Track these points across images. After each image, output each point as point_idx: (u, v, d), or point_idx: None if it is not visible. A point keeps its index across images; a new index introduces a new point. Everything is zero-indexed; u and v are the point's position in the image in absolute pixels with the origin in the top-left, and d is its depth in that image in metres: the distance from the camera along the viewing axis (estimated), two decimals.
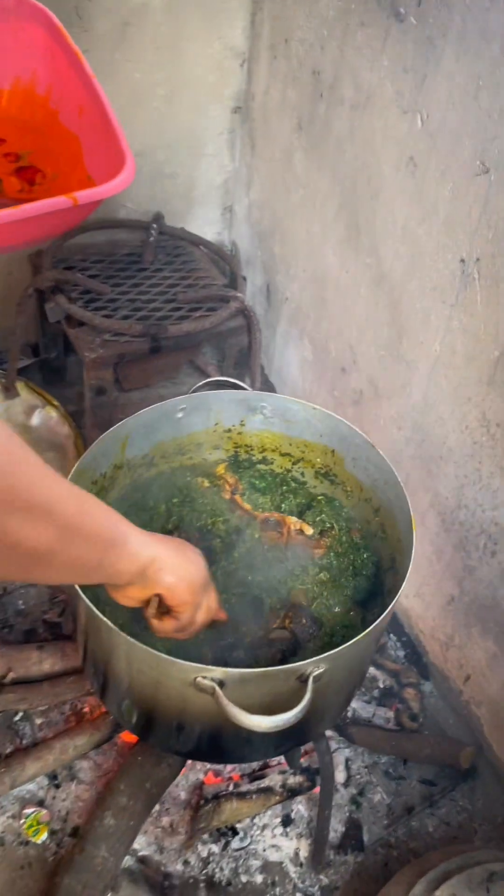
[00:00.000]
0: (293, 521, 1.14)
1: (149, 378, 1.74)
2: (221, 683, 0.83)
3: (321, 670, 0.86)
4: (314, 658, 0.84)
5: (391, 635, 1.49)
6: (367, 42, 1.21)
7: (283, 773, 1.22)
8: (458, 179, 1.08)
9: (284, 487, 1.22)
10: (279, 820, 1.21)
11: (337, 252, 1.45)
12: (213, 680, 0.83)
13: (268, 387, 1.88)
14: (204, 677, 0.83)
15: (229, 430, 1.20)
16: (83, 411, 1.74)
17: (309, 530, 1.14)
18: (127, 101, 1.59)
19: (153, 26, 1.50)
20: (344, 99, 1.32)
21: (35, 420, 1.69)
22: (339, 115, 1.34)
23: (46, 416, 1.69)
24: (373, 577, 1.14)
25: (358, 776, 1.29)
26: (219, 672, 0.82)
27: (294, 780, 1.21)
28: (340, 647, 0.86)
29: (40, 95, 1.13)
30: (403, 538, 1.04)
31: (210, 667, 0.82)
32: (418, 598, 1.44)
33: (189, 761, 1.22)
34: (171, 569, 0.81)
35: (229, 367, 1.71)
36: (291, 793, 1.20)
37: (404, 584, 0.95)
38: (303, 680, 0.86)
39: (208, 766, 1.25)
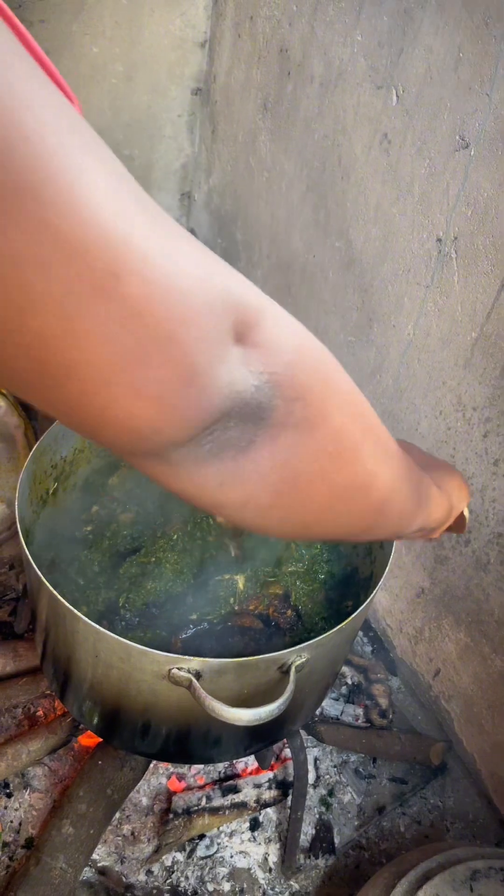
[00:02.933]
0: None
1: None
2: (198, 675, 0.77)
3: (303, 660, 0.81)
4: (297, 647, 0.79)
5: (358, 631, 1.45)
6: (340, 17, 1.18)
7: (257, 786, 1.16)
8: (435, 156, 1.05)
9: None
10: (247, 825, 1.15)
11: (304, 236, 1.41)
12: (189, 671, 0.77)
13: None
14: (180, 668, 0.77)
15: None
16: None
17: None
18: (84, 76, 1.53)
19: (112, 2, 1.44)
20: (313, 77, 1.28)
21: None
22: (308, 94, 1.30)
23: None
24: (346, 570, 1.10)
25: (327, 776, 1.24)
26: (196, 662, 0.76)
27: (268, 794, 1.16)
28: (324, 635, 0.81)
29: None
30: None
31: (187, 657, 0.76)
32: (386, 591, 1.40)
33: (151, 765, 1.15)
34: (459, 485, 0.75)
35: None
36: (265, 806, 1.15)
37: (387, 568, 0.91)
38: (284, 670, 0.81)
39: (171, 769, 1.19)
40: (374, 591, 0.87)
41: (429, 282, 1.11)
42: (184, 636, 0.94)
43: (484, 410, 1.07)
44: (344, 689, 1.34)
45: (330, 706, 1.30)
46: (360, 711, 1.31)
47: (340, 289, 1.32)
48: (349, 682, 1.34)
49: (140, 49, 1.55)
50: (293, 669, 0.79)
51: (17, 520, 0.88)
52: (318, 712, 1.28)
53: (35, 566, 0.81)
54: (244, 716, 0.74)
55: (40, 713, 1.22)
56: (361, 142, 1.19)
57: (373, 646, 1.43)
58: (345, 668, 1.35)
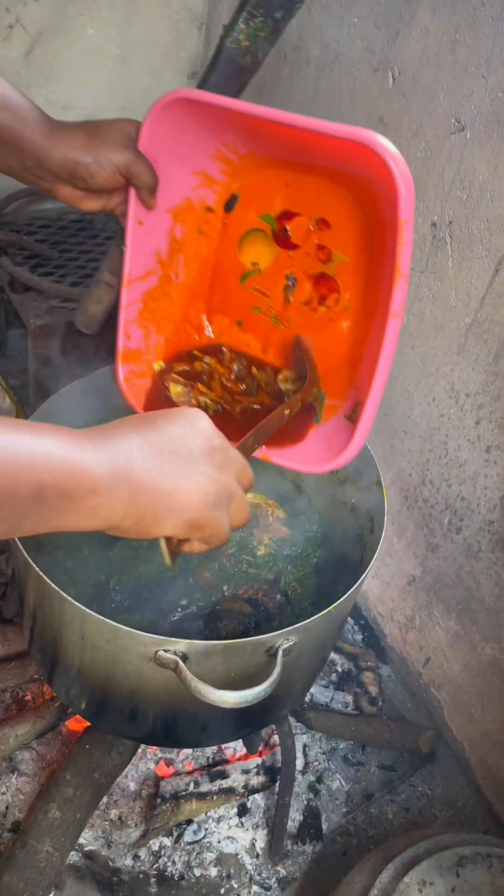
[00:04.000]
0: (273, 506, 1.08)
1: (97, 351, 1.65)
2: (185, 657, 0.77)
3: (291, 643, 0.80)
4: (284, 629, 0.79)
5: (349, 619, 1.45)
6: (335, 1, 1.17)
7: (245, 772, 1.16)
8: (431, 139, 1.04)
9: None
10: (235, 811, 1.15)
11: None
12: (175, 653, 0.76)
13: None
14: (166, 650, 0.76)
15: None
16: (26, 386, 1.65)
17: (283, 515, 1.08)
18: (79, 59, 1.51)
19: None
20: (310, 60, 1.27)
21: None
22: (304, 77, 1.29)
23: None
24: (337, 554, 1.09)
25: (316, 763, 1.24)
26: (182, 645, 0.76)
27: (257, 780, 1.15)
28: (312, 619, 0.80)
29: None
30: (373, 510, 1.00)
31: (173, 639, 0.76)
32: (377, 579, 1.40)
33: (139, 750, 1.15)
34: (159, 503, 0.60)
35: None
36: (253, 792, 1.14)
37: (376, 554, 0.91)
38: (272, 654, 0.80)
39: (159, 754, 1.18)
40: (364, 575, 0.87)
41: (423, 267, 1.10)
42: (172, 619, 0.93)
43: (477, 397, 1.07)
44: (334, 677, 1.33)
45: (319, 693, 1.30)
46: (349, 699, 1.30)
47: None
48: (339, 669, 1.34)
49: (136, 31, 1.53)
50: (280, 652, 0.79)
51: None
52: (307, 699, 1.28)
53: (22, 548, 0.81)
54: (230, 698, 0.73)
55: (28, 697, 1.21)
56: (357, 125, 1.18)
57: (363, 634, 1.43)
58: (335, 656, 1.35)
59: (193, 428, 0.63)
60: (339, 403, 0.93)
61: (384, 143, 0.72)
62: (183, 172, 0.92)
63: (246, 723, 0.99)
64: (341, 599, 0.82)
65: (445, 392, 1.12)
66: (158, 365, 1.04)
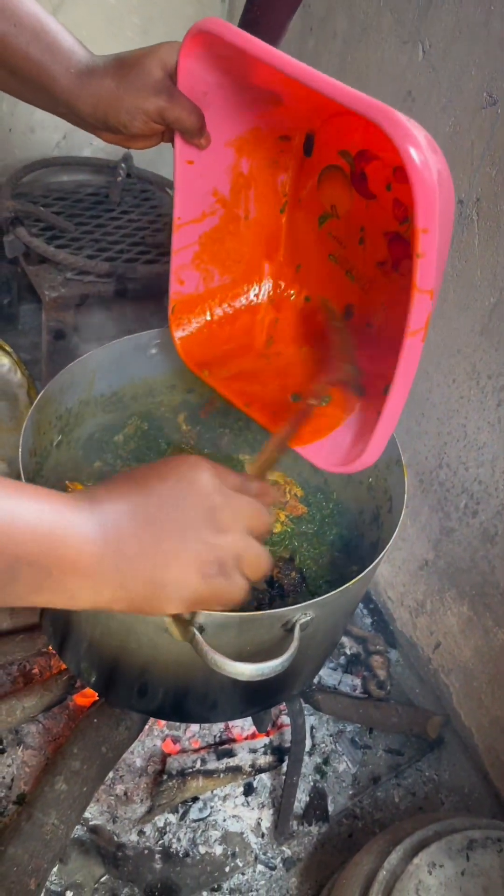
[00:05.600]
0: (292, 483, 1.06)
1: (110, 328, 1.64)
2: (202, 629, 0.75)
3: (308, 618, 0.79)
4: (302, 604, 0.78)
5: (362, 596, 1.44)
6: None
7: (252, 751, 1.15)
8: (460, 114, 1.02)
9: (261, 434, 1.15)
10: (241, 789, 1.15)
11: None
12: (192, 624, 0.75)
13: None
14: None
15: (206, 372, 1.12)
16: (37, 361, 1.63)
17: (300, 493, 1.07)
18: (99, 28, 1.49)
19: None
20: (336, 32, 1.25)
21: None
22: (331, 49, 1.27)
23: None
24: (353, 533, 1.08)
25: (323, 745, 1.23)
26: (200, 616, 0.75)
27: (264, 759, 1.15)
28: (330, 594, 0.79)
29: None
30: (391, 488, 0.98)
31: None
32: (388, 563, 1.39)
33: (147, 726, 1.14)
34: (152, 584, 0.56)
35: None
36: (260, 771, 1.14)
37: (394, 534, 0.89)
38: (288, 628, 0.79)
39: (166, 731, 1.18)
40: (383, 554, 0.86)
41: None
42: None
43: (499, 378, 1.05)
44: (342, 660, 1.32)
45: (328, 676, 1.29)
46: (357, 682, 1.29)
47: None
48: (347, 652, 1.33)
49: (158, 2, 1.51)
50: (298, 627, 0.78)
51: (21, 468, 0.86)
52: (315, 681, 1.27)
53: None
54: (247, 670, 0.72)
55: (36, 670, 1.20)
56: (384, 99, 1.14)
57: (373, 618, 1.42)
58: (343, 639, 1.34)
59: (190, 486, 0.57)
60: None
61: (403, 133, 0.59)
62: (244, 100, 0.81)
63: (257, 700, 0.98)
64: (360, 576, 0.81)
65: (466, 373, 1.10)
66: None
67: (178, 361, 1.10)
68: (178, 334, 0.96)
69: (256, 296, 1.00)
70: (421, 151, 0.59)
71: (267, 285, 1.00)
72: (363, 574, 0.81)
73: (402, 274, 0.88)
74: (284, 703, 1.07)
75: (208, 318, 0.97)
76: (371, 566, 0.83)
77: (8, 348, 1.60)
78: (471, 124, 1.00)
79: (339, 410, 0.88)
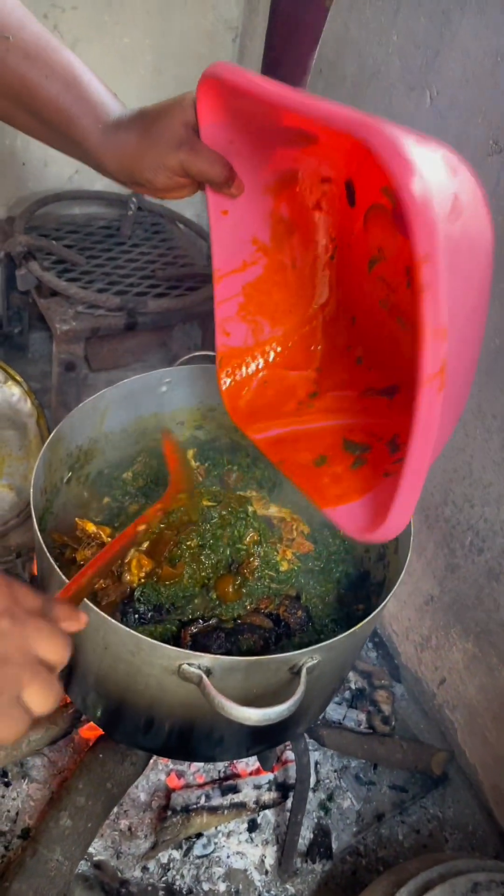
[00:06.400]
0: (298, 520, 1.07)
1: (119, 359, 1.66)
2: (209, 672, 0.76)
3: (315, 661, 0.80)
4: (309, 648, 0.78)
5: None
6: (376, 16, 1.17)
7: (257, 787, 1.15)
8: (467, 158, 1.03)
9: (269, 471, 1.16)
10: (245, 826, 1.14)
11: None
12: (200, 667, 0.76)
13: None
14: (190, 664, 0.76)
15: (213, 409, 1.13)
16: (46, 390, 1.65)
17: (307, 530, 1.07)
18: (114, 66, 1.52)
19: None
20: (345, 76, 1.27)
21: None
22: (340, 93, 1.29)
23: (7, 393, 1.59)
24: (360, 571, 1.09)
25: (327, 780, 1.23)
26: (207, 659, 0.76)
27: (268, 796, 1.15)
28: (336, 638, 0.80)
29: None
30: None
31: (198, 654, 0.75)
32: (393, 597, 1.38)
33: (151, 761, 1.14)
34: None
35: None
36: (264, 808, 1.14)
37: (401, 576, 0.90)
38: (295, 672, 0.80)
39: (171, 766, 1.18)
40: (389, 596, 0.86)
41: None
42: (194, 630, 0.93)
43: None
44: (347, 694, 1.33)
45: (333, 710, 1.29)
46: (362, 717, 1.29)
47: None
48: (352, 686, 1.33)
49: (170, 41, 1.54)
50: (304, 671, 0.78)
51: (32, 506, 0.87)
52: (320, 716, 1.27)
53: (48, 554, 0.81)
54: (253, 715, 0.73)
55: None
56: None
57: (378, 651, 1.42)
58: (349, 673, 1.34)
59: None
60: None
61: (392, 149, 0.53)
62: (276, 143, 0.77)
63: (262, 739, 0.98)
64: (365, 620, 0.82)
65: (472, 413, 1.11)
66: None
67: (188, 399, 1.12)
68: (225, 384, 0.92)
69: (308, 350, 0.95)
70: (413, 173, 0.52)
71: (319, 338, 0.96)
72: (369, 618, 0.82)
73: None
74: (290, 742, 1.07)
75: (257, 370, 0.93)
76: (377, 610, 0.83)
77: (18, 378, 1.61)
78: (477, 170, 1.02)
79: (370, 475, 0.83)
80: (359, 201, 0.83)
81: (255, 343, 0.92)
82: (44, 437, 1.59)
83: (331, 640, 0.79)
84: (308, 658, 0.79)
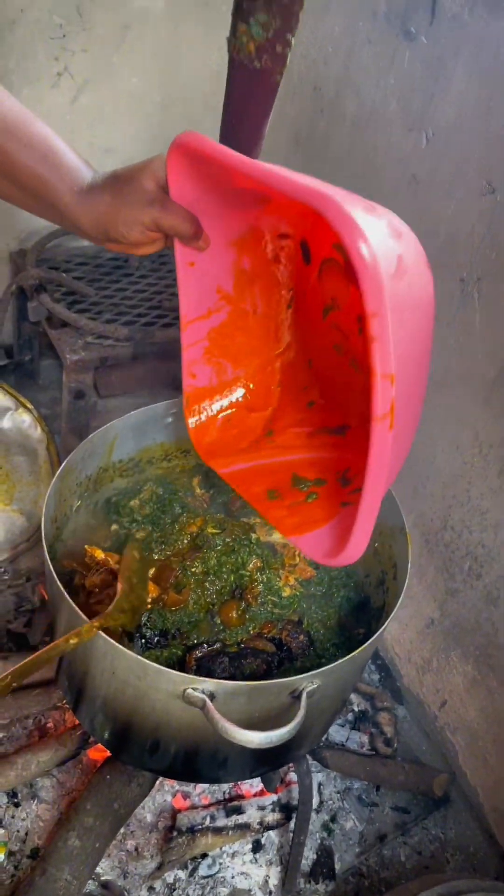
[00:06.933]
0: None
1: (127, 386, 1.69)
2: (212, 696, 0.79)
3: (315, 686, 0.83)
4: (309, 673, 0.81)
5: (368, 660, 1.46)
6: (374, 61, 1.22)
7: (261, 808, 1.17)
8: (462, 199, 1.08)
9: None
10: (249, 846, 1.17)
11: None
12: (203, 692, 0.79)
13: None
14: (195, 689, 0.79)
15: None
16: (56, 416, 1.69)
17: None
18: (123, 105, 1.58)
19: (153, 32, 1.49)
20: (345, 115, 1.32)
21: (6, 423, 1.63)
22: (340, 131, 1.34)
23: (19, 420, 1.63)
24: (361, 596, 1.11)
25: (330, 802, 1.25)
26: (211, 684, 0.79)
27: (272, 816, 1.17)
28: (336, 663, 0.83)
29: None
30: (396, 556, 1.02)
31: (202, 678, 0.79)
32: (395, 620, 1.41)
33: (157, 782, 1.17)
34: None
35: None
36: (268, 828, 1.16)
37: (398, 602, 0.93)
38: (296, 696, 0.83)
39: (177, 787, 1.20)
40: (387, 622, 0.89)
41: (450, 319, 1.14)
42: (198, 654, 0.96)
43: (501, 448, 1.09)
44: (350, 716, 1.35)
45: (335, 732, 1.31)
46: (365, 739, 1.32)
47: None
48: (355, 709, 1.36)
49: (177, 80, 1.60)
50: (305, 695, 0.81)
51: (43, 536, 0.91)
52: (323, 738, 1.29)
53: (58, 581, 0.84)
54: (255, 738, 0.76)
55: (51, 724, 1.24)
56: (390, 181, 1.22)
57: (380, 674, 1.45)
58: (352, 695, 1.36)
59: None
60: None
61: (336, 207, 0.60)
62: (239, 203, 0.85)
63: (265, 761, 1.01)
64: (365, 645, 0.85)
65: (470, 441, 1.15)
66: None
67: None
68: (192, 422, 1.00)
69: (268, 390, 1.03)
70: (362, 239, 0.59)
71: (278, 380, 1.04)
72: (367, 643, 0.85)
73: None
74: (292, 764, 1.10)
75: (221, 409, 1.01)
76: (375, 635, 0.86)
77: (29, 405, 1.66)
78: (471, 209, 1.06)
79: (326, 506, 0.90)
80: (313, 256, 0.91)
81: (219, 384, 1.00)
82: (53, 463, 1.63)
83: (330, 665, 0.83)
84: (308, 683, 0.82)
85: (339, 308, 0.93)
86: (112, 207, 0.79)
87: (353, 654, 0.83)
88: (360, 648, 0.84)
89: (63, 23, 1.42)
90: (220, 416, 1.02)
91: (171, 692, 0.81)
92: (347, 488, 0.92)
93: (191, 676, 0.79)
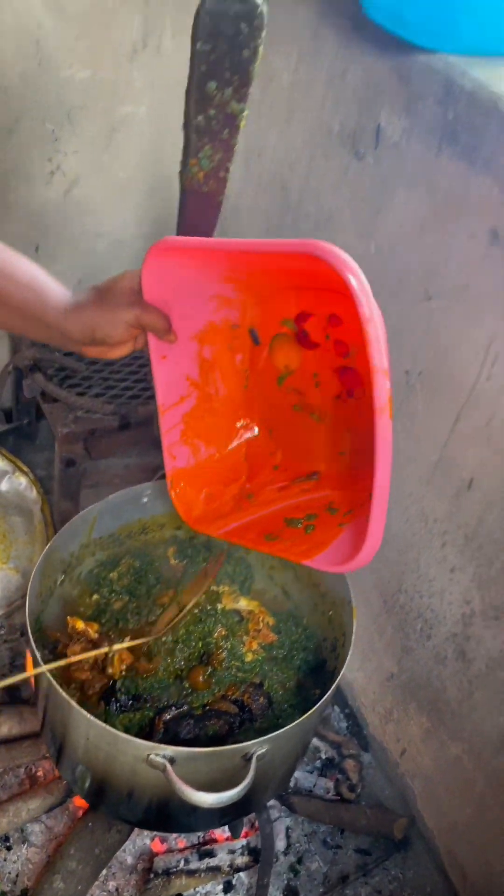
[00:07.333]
0: (265, 613, 1.22)
1: (117, 450, 1.82)
2: (172, 760, 0.91)
3: (264, 750, 0.94)
4: (258, 739, 0.93)
5: (335, 707, 1.58)
6: (330, 172, 1.35)
7: (231, 852, 1.28)
8: (406, 301, 1.21)
9: (240, 567, 1.31)
10: (221, 887, 1.27)
11: None
12: (164, 757, 0.90)
13: None
14: (156, 755, 0.91)
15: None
16: (52, 477, 1.82)
17: (272, 622, 1.23)
18: (112, 196, 1.72)
19: (138, 133, 1.63)
20: (309, 214, 1.45)
21: (4, 485, 1.76)
22: (305, 228, 1.48)
23: (16, 482, 1.77)
24: (318, 658, 1.23)
25: (298, 844, 1.36)
26: (170, 750, 0.90)
27: (241, 859, 1.28)
28: (281, 730, 0.94)
29: None
30: (346, 625, 1.14)
31: (162, 745, 0.90)
32: (361, 672, 1.53)
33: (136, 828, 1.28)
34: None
35: None
36: (238, 870, 1.27)
37: (342, 670, 1.04)
38: (247, 759, 0.94)
39: (155, 832, 1.31)
40: (331, 690, 1.01)
41: (398, 405, 1.26)
42: (167, 718, 1.07)
43: (443, 523, 1.21)
44: (318, 763, 1.46)
45: (304, 779, 1.42)
46: (331, 785, 1.43)
47: None
48: (323, 756, 1.47)
49: (160, 171, 1.74)
50: (254, 759, 0.93)
51: (27, 612, 1.03)
52: (292, 784, 1.40)
53: (41, 660, 0.96)
54: (208, 799, 0.87)
55: (40, 773, 1.35)
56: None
57: (348, 722, 1.56)
58: (319, 744, 1.47)
59: None
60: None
61: (327, 248, 0.78)
62: (198, 301, 1.01)
63: (229, 812, 1.12)
64: (309, 713, 0.96)
65: (417, 515, 1.27)
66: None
67: (168, 506, 1.28)
68: (178, 499, 1.13)
69: (239, 464, 1.17)
70: (352, 264, 0.79)
71: (244, 453, 1.18)
72: (310, 712, 0.97)
73: (356, 398, 1.06)
74: (255, 813, 1.21)
75: (200, 487, 1.14)
76: (319, 703, 0.98)
77: (25, 468, 1.79)
78: (413, 312, 1.19)
79: (326, 530, 1.04)
80: (262, 337, 1.08)
81: (196, 463, 1.13)
82: (47, 523, 1.76)
83: (277, 733, 0.94)
84: (257, 748, 0.94)
85: (293, 373, 1.09)
86: (98, 313, 0.94)
87: (296, 721, 0.95)
88: (303, 717, 0.96)
89: (55, 128, 1.57)
90: (201, 495, 1.16)
91: (137, 756, 0.93)
92: (337, 515, 1.07)
93: (152, 744, 0.91)
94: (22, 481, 1.78)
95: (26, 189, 1.62)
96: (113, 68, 1.54)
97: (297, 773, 1.41)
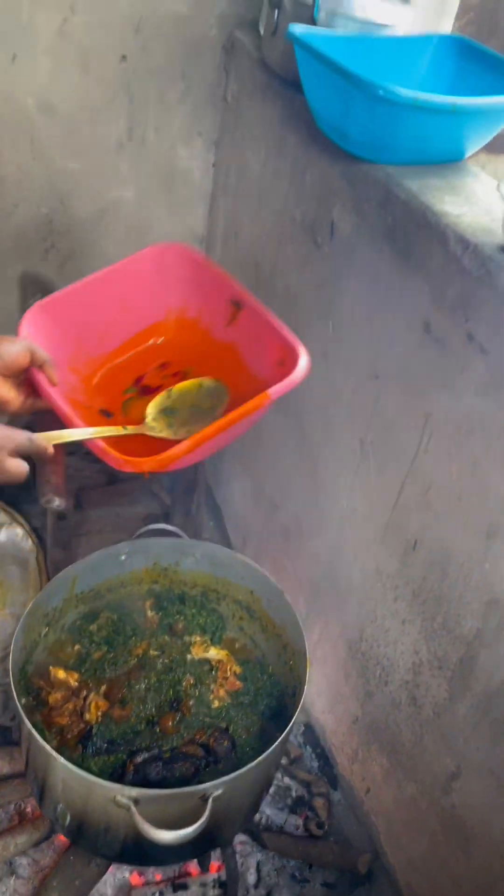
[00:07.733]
0: (233, 661, 1.34)
1: (108, 499, 1.96)
2: (136, 801, 1.02)
3: (220, 791, 1.05)
4: (213, 782, 1.04)
5: (308, 747, 1.68)
6: (296, 256, 1.49)
7: (203, 885, 1.38)
8: (358, 378, 1.33)
9: (211, 617, 1.43)
10: None
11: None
12: (129, 798, 1.02)
13: (214, 511, 2.11)
14: (122, 796, 1.02)
15: (165, 569, 1.42)
16: (46, 527, 1.95)
17: (239, 670, 1.34)
18: (101, 267, 1.86)
19: (126, 214, 1.78)
20: (277, 293, 1.59)
21: (2, 536, 1.89)
22: (274, 305, 1.60)
23: (12, 533, 1.89)
24: (281, 704, 1.34)
25: (268, 878, 1.45)
26: (134, 792, 1.01)
27: (213, 892, 1.38)
28: (235, 774, 1.05)
29: (191, 319, 1.35)
30: (302, 676, 1.25)
31: (127, 787, 1.01)
32: (332, 714, 1.63)
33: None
34: None
35: (179, 493, 1.94)
36: None
37: (292, 721, 1.15)
38: (204, 799, 1.05)
39: (134, 866, 1.41)
40: (284, 735, 1.12)
41: (355, 469, 1.39)
42: (138, 761, 1.18)
43: (394, 579, 1.33)
44: (289, 801, 1.56)
45: (275, 815, 1.52)
46: (300, 822, 1.52)
47: (297, 457, 1.61)
48: (293, 794, 1.57)
49: (147, 244, 1.89)
50: (211, 800, 1.04)
51: (10, 664, 1.15)
52: (264, 820, 1.50)
53: (22, 712, 1.08)
54: (166, 837, 0.98)
55: (28, 810, 1.46)
56: (310, 353, 1.48)
57: (319, 762, 1.66)
58: (290, 782, 1.57)
59: None
60: None
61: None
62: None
63: (196, 847, 1.23)
64: (258, 760, 1.07)
65: (373, 569, 1.38)
66: None
67: (144, 561, 1.41)
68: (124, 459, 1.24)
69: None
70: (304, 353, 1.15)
71: None
72: (262, 757, 1.08)
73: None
74: (221, 848, 1.31)
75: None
76: (270, 749, 1.09)
77: (20, 519, 1.92)
78: (364, 387, 1.32)
79: None
80: (113, 410, 1.27)
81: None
82: (41, 571, 1.88)
83: (230, 776, 1.05)
84: (213, 789, 1.04)
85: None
86: None
87: (248, 766, 1.06)
88: (252, 763, 1.07)
89: (48, 212, 1.72)
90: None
91: (106, 797, 1.04)
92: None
93: (119, 786, 1.02)
94: (18, 532, 1.90)
95: (23, 265, 1.77)
96: (101, 158, 1.70)
97: (268, 811, 1.51)
